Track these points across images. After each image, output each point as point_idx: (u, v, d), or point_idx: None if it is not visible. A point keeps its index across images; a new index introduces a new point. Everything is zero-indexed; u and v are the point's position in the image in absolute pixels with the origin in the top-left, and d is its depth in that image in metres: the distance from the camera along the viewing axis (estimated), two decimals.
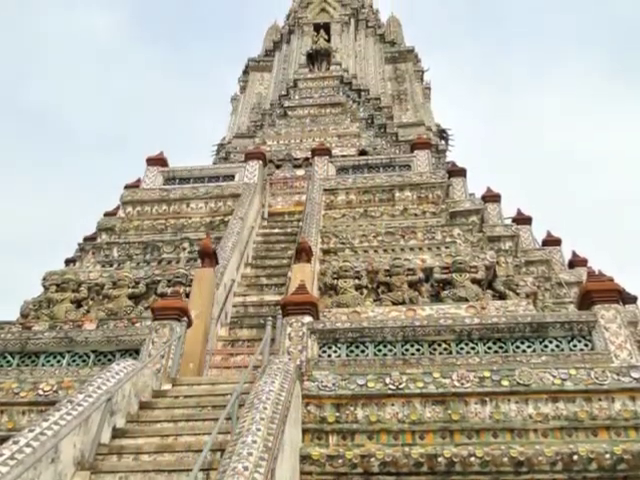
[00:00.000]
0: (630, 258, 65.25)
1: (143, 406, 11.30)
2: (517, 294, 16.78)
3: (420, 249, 18.34)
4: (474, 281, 16.39)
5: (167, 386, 12.35)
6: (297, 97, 32.94)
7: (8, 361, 13.55)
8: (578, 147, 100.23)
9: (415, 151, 23.85)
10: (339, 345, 12.97)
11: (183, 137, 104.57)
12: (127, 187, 23.45)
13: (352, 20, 38.75)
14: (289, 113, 31.74)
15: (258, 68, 40.91)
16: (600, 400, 11.42)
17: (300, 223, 20.70)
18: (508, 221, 24.80)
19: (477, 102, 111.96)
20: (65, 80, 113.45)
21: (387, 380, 11.85)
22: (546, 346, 12.53)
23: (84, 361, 13.35)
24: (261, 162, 24.00)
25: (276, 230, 22.08)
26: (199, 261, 16.47)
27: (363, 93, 33.88)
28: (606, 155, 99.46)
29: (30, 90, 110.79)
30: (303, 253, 16.37)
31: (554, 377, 11.63)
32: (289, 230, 21.66)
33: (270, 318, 14.09)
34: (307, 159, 26.02)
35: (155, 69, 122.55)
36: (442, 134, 35.71)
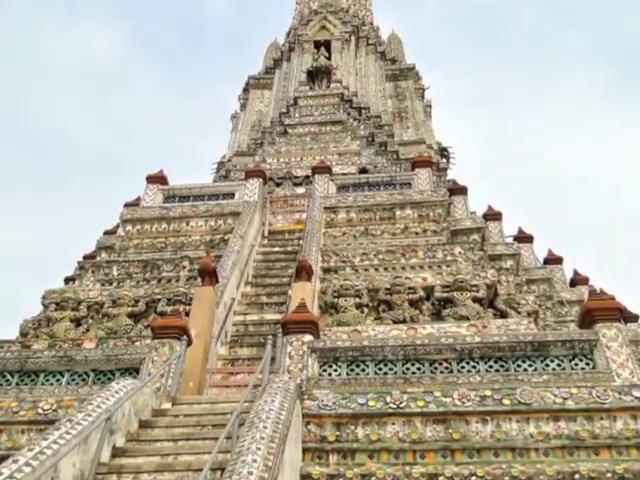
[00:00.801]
0: (632, 275, 65.19)
1: (143, 425, 11.33)
2: (518, 313, 16.83)
3: (421, 267, 18.40)
4: (475, 300, 16.45)
5: (167, 405, 12.38)
6: (297, 115, 33.04)
7: (7, 380, 13.59)
8: (578, 163, 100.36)
9: (416, 169, 23.94)
10: (340, 364, 13.01)
11: (183, 155, 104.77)
12: (127, 205, 23.52)
13: (353, 37, 38.90)
14: (289, 131, 31.84)
15: (258, 86, 41.06)
16: (602, 419, 11.45)
17: (300, 241, 20.75)
18: (509, 239, 24.87)
19: (478, 119, 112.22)
20: (65, 100, 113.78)
21: (388, 399, 11.88)
22: (547, 365, 12.57)
23: (84, 380, 13.39)
24: (261, 180, 24.09)
25: (276, 248, 22.14)
26: (199, 279, 16.52)
27: (364, 111, 33.99)
28: (606, 171, 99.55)
29: (30, 109, 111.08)
30: (303, 271, 16.42)
31: (555, 396, 11.67)
32: (289, 248, 21.72)
33: (270, 337, 14.12)
34: (307, 177, 26.11)
35: (155, 87, 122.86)
36: (443, 152, 35.82)
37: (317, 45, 37.98)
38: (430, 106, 41.57)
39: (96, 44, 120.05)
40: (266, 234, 22.86)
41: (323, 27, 39.38)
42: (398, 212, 21.63)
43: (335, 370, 12.93)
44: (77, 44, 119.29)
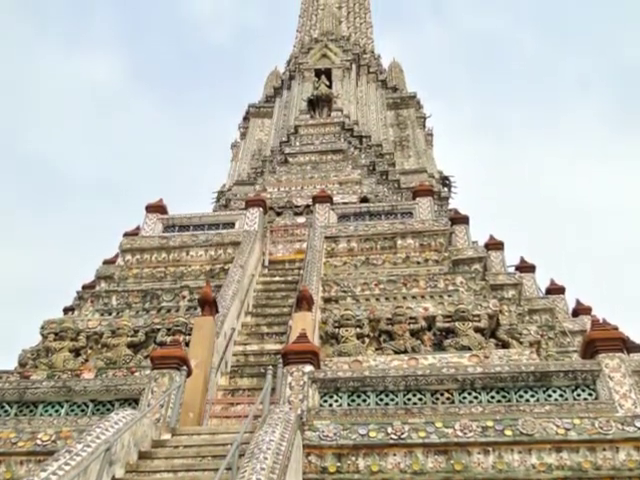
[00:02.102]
0: (634, 305, 65.20)
1: (142, 456, 11.36)
2: (520, 343, 16.88)
3: (422, 297, 18.47)
4: (477, 330, 16.50)
5: (167, 436, 12.41)
6: (298, 143, 33.16)
7: (6, 410, 13.64)
8: (578, 191, 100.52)
9: (417, 198, 24.05)
10: (340, 394, 13.07)
11: (183, 184, 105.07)
12: (126, 235, 23.62)
13: (353, 66, 39.09)
14: (290, 160, 31.93)
15: (258, 114, 41.24)
16: (604, 450, 11.49)
17: (301, 271, 20.81)
18: (511, 269, 24.95)
19: (479, 147, 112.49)
20: (65, 128, 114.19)
21: (389, 430, 11.94)
22: (550, 395, 12.63)
23: (83, 411, 13.44)
24: (261, 209, 24.20)
25: (277, 278, 22.20)
26: (199, 309, 16.58)
27: (365, 139, 34.11)
28: (606, 199, 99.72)
29: (29, 136, 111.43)
30: (304, 301, 16.48)
31: (558, 427, 11.72)
32: (290, 278, 21.78)
33: (271, 367, 14.17)
34: (308, 206, 26.21)
35: (155, 116, 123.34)
36: (444, 181, 35.95)
37: (318, 73, 38.11)
38: (431, 135, 41.75)
39: (96, 72, 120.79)
40: (266, 264, 22.94)
41: (324, 55, 39.60)
42: (399, 241, 21.72)
43: (336, 401, 12.99)
44: (77, 72, 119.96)
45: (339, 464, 11.68)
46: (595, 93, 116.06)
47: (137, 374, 14.71)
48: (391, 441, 11.79)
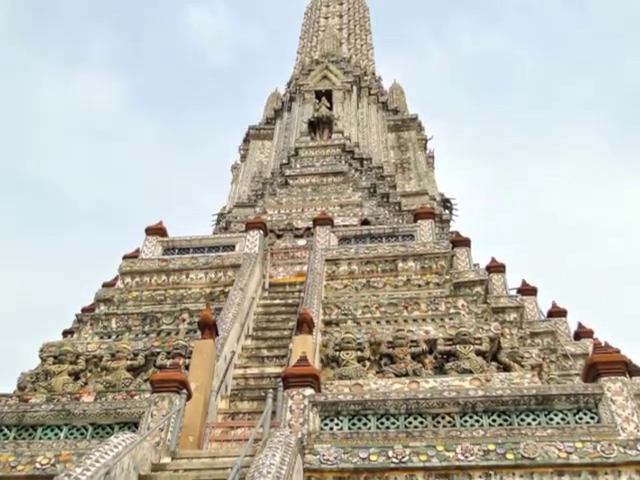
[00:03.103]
0: (635, 324, 65.20)
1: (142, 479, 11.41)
2: (522, 366, 16.94)
3: (424, 320, 18.51)
4: (478, 353, 16.54)
5: (166, 459, 12.45)
6: (298, 166, 33.22)
7: (5, 434, 13.68)
8: (579, 214, 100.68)
9: (418, 221, 24.11)
10: (341, 418, 13.12)
11: (183, 206, 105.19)
12: (125, 257, 23.68)
13: (354, 87, 39.21)
14: (290, 182, 32.00)
15: (259, 136, 41.34)
16: (606, 474, 11.54)
17: (301, 294, 20.85)
18: (513, 292, 25.02)
19: (480, 169, 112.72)
20: (64, 150, 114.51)
21: (390, 453, 11.98)
22: (551, 419, 12.67)
23: (82, 434, 13.47)
24: (262, 232, 24.27)
25: (277, 301, 22.25)
26: (199, 332, 16.63)
27: (365, 162, 34.17)
28: (607, 220, 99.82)
29: (27, 158, 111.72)
30: (304, 324, 16.54)
31: (560, 450, 11.76)
32: (290, 301, 21.83)
33: (271, 390, 14.21)
34: (309, 229, 26.27)
35: (154, 138, 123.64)
36: (446, 203, 36.06)
37: (318, 95, 38.19)
38: (432, 157, 41.85)
39: (95, 94, 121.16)
40: (267, 286, 22.99)
41: (324, 77, 39.70)
42: (400, 264, 21.78)
43: (337, 424, 13.03)
44: (76, 94, 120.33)
45: None
46: (596, 114, 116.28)
47: (137, 397, 14.75)
48: (392, 465, 11.84)
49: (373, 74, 44.47)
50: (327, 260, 22.13)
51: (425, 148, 41.07)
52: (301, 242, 25.96)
